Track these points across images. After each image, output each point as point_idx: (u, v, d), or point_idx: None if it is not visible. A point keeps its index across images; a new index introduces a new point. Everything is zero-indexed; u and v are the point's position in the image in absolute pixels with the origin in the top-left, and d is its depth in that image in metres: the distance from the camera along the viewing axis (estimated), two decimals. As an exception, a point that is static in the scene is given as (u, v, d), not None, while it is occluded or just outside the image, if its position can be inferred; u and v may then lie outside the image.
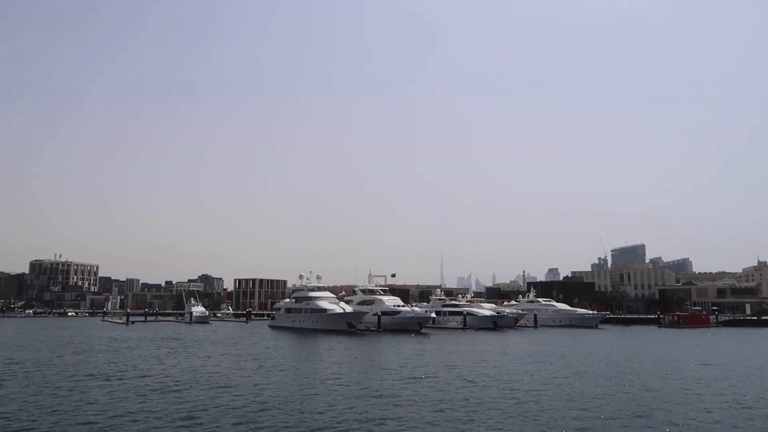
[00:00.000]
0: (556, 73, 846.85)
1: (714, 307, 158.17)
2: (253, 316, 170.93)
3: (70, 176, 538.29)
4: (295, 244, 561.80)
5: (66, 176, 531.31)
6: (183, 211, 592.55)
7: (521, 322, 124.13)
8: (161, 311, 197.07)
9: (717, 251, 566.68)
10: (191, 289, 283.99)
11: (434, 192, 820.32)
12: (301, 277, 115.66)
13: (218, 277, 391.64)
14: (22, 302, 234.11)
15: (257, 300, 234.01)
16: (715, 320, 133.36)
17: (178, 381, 37.30)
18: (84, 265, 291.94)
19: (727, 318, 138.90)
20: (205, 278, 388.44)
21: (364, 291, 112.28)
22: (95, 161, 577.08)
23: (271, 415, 26.61)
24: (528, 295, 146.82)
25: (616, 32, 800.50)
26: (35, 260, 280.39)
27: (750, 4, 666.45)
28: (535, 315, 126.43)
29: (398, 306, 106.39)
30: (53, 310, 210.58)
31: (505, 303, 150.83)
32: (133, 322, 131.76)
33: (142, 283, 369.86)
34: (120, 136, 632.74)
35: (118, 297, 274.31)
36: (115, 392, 32.60)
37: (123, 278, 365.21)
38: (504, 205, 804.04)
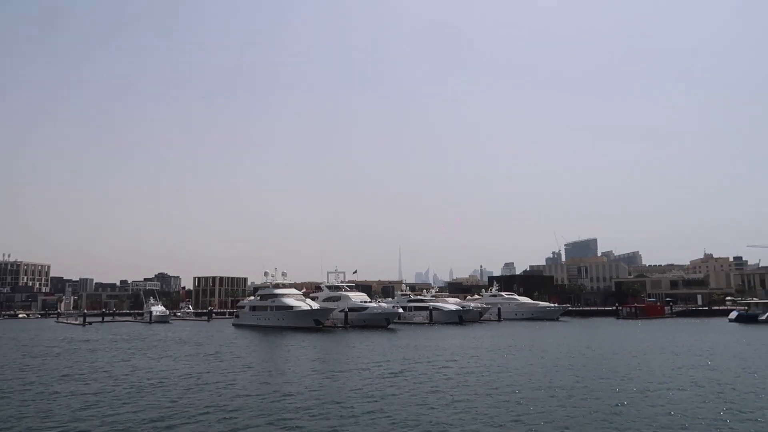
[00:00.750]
0: (514, 72, 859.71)
1: (668, 299, 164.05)
2: (214, 315, 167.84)
3: (20, 174, 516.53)
4: (254, 242, 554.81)
5: (15, 174, 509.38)
6: (138, 207, 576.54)
7: (485, 315, 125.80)
8: (118, 311, 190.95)
9: (664, 244, 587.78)
10: (148, 288, 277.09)
11: (393, 187, 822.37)
12: (266, 274, 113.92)
13: (175, 275, 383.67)
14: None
15: (217, 298, 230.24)
16: (669, 311, 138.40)
17: (149, 382, 36.23)
18: (34, 265, 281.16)
19: (680, 309, 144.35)
20: (161, 277, 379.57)
21: (330, 287, 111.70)
22: (54, 158, 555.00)
23: (252, 415, 26.02)
24: (491, 290, 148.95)
25: (572, 32, 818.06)
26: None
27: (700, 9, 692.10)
28: (499, 309, 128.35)
29: (365, 302, 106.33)
30: (3, 312, 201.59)
31: (468, 297, 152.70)
32: (90, 323, 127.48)
33: (96, 283, 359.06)
34: (79, 132, 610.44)
35: (72, 297, 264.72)
36: (85, 396, 31.36)
37: (76, 278, 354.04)
38: (458, 200, 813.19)
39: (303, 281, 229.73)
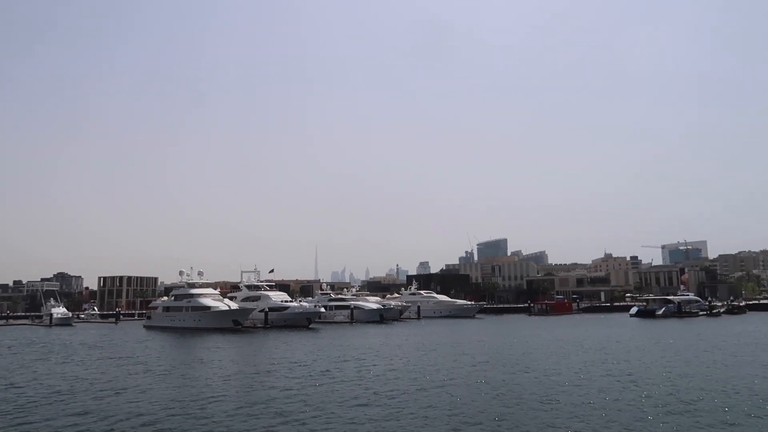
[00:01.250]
0: (428, 71, 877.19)
1: (574, 296, 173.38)
2: (122, 317, 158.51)
3: None
4: (163, 240, 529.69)
5: None
6: (32, 201, 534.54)
7: (405, 314, 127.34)
8: (12, 314, 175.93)
9: (568, 245, 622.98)
10: (47, 288, 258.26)
11: (307, 185, 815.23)
12: (181, 273, 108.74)
13: (77, 275, 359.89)
14: None
15: (125, 299, 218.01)
16: (577, 307, 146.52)
17: (58, 390, 33.50)
18: None
19: (586, 305, 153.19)
20: (61, 276, 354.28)
21: (248, 287, 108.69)
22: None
23: (180, 419, 24.68)
24: (410, 288, 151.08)
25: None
26: None
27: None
28: (419, 307, 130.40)
29: (285, 302, 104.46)
30: None
31: (388, 296, 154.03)
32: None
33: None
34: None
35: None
36: (-16, 407, 28.45)
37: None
38: (372, 199, 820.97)
39: (216, 280, 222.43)
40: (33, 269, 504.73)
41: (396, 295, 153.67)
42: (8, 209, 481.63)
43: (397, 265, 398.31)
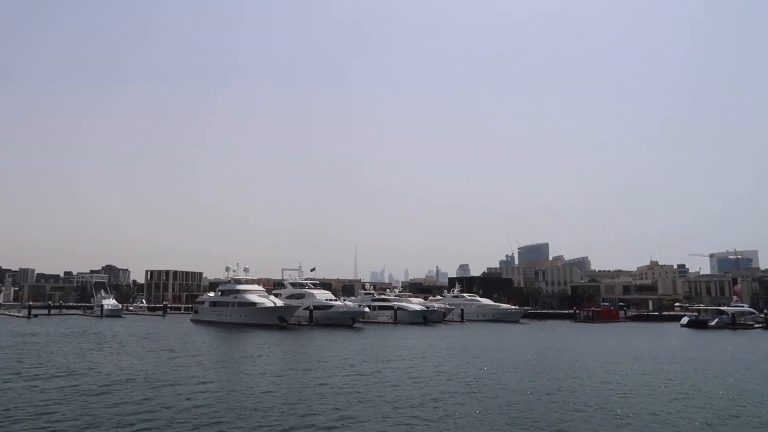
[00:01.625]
0: (468, 69, 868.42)
1: (620, 303, 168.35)
2: (169, 310, 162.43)
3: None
4: (205, 235, 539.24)
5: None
6: (79, 195, 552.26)
7: (448, 316, 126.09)
8: (64, 304, 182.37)
9: (611, 251, 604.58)
10: (97, 280, 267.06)
11: (348, 185, 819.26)
12: (227, 269, 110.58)
13: (124, 268, 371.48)
14: None
15: (171, 293, 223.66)
16: (624, 315, 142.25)
17: (116, 380, 34.19)
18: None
19: (633, 313, 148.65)
20: (109, 269, 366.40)
21: (293, 284, 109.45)
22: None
23: (234, 413, 24.76)
24: (453, 291, 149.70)
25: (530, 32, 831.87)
26: None
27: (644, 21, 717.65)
28: (462, 310, 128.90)
29: (330, 300, 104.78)
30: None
31: (431, 298, 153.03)
32: (35, 316, 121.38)
33: (37, 274, 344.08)
34: (38, 115, 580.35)
35: (12, 288, 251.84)
36: (46, 394, 29.15)
37: (15, 268, 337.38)
38: (411, 200, 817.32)
39: (258, 277, 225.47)
40: (81, 262, 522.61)
41: (438, 297, 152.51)
42: (62, 202, 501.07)
43: (437, 267, 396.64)
